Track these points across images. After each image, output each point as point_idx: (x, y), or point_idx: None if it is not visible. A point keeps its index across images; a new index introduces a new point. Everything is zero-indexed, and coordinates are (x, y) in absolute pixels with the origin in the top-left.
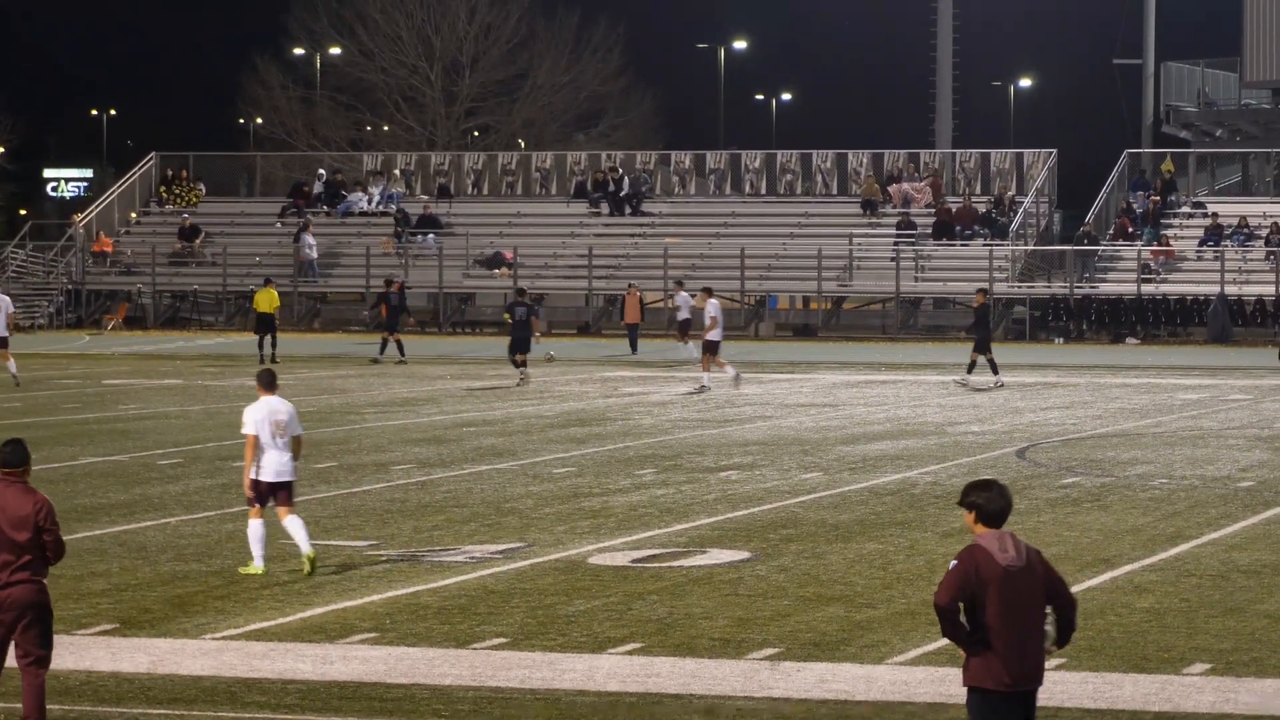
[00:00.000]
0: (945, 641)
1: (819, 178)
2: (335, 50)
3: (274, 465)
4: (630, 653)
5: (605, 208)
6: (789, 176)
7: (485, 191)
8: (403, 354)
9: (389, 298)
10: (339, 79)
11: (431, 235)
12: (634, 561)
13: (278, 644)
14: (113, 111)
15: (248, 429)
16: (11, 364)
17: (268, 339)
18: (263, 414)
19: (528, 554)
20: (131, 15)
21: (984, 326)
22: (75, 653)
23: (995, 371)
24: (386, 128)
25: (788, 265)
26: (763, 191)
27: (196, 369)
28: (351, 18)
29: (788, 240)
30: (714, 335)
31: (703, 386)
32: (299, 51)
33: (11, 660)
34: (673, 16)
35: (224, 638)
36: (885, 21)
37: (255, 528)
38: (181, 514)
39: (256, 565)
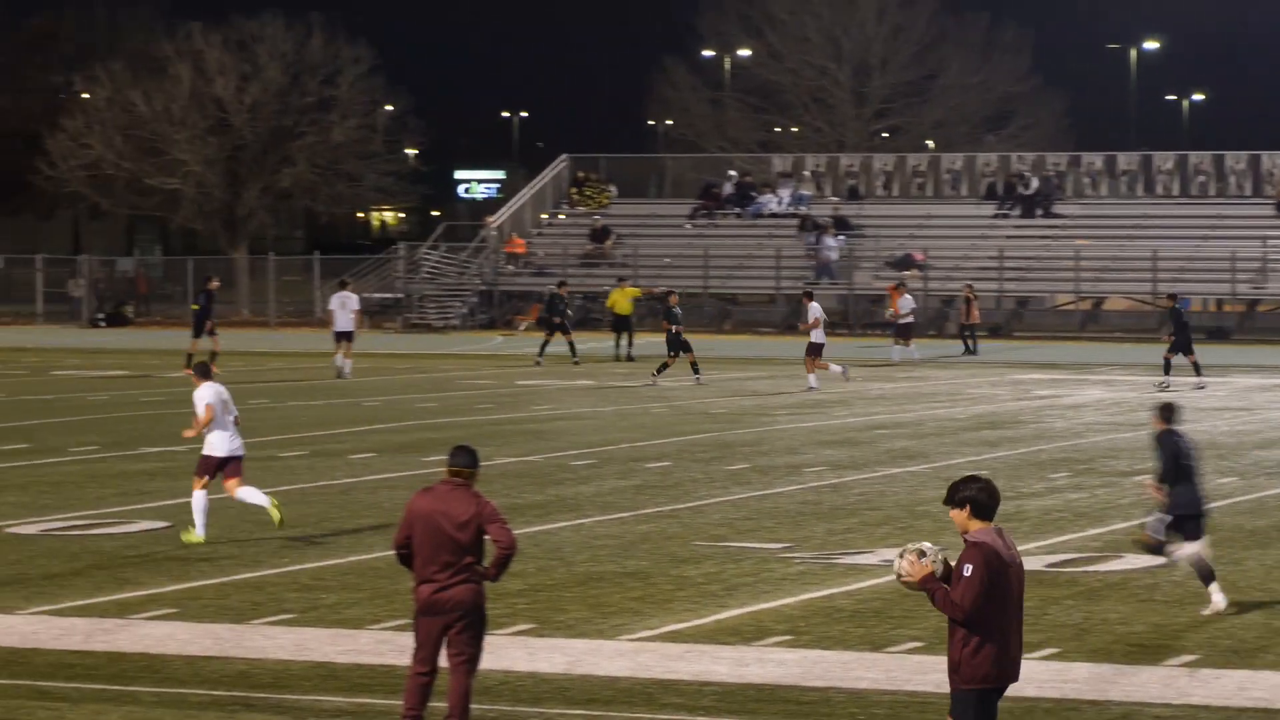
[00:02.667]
0: None
1: (1232, 179)
2: (744, 52)
3: (226, 442)
4: (1046, 658)
5: (1016, 209)
6: (1201, 178)
7: (895, 193)
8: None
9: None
10: (748, 80)
11: (841, 237)
12: (1049, 566)
13: (693, 646)
14: (524, 113)
15: (209, 400)
16: (346, 362)
17: (623, 339)
18: (212, 394)
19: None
20: (542, 18)
21: (1182, 329)
22: (493, 652)
23: (1166, 372)
24: (795, 129)
25: (1200, 268)
26: (1175, 193)
27: (607, 370)
28: (760, 19)
29: (1200, 242)
30: (817, 337)
31: (810, 388)
32: (708, 53)
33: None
34: (1083, 16)
35: (640, 639)
36: None
37: (200, 498)
38: (596, 515)
39: (198, 534)
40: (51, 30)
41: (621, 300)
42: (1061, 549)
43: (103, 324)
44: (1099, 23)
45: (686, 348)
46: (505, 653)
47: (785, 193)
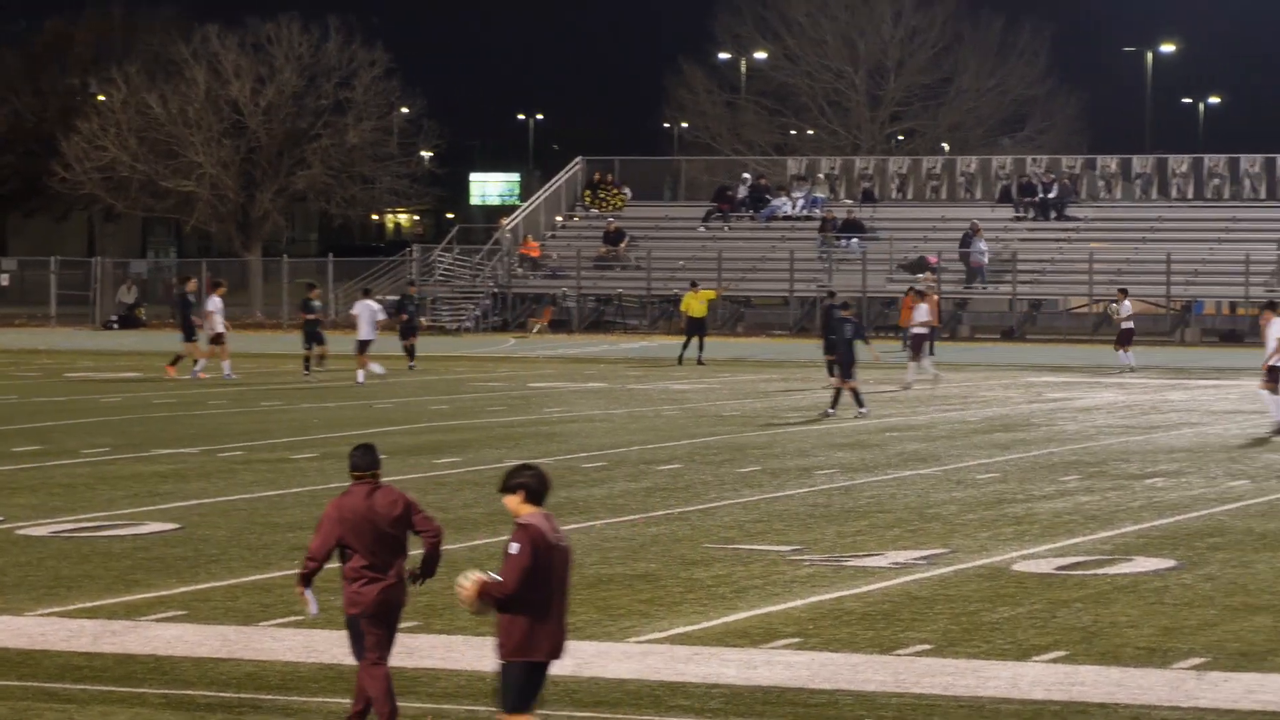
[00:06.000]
0: None
1: (1247, 182)
2: (760, 55)
3: None
4: (1054, 660)
5: (1030, 212)
6: (1216, 181)
7: (909, 196)
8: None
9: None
10: (763, 83)
11: (855, 239)
12: (1058, 569)
13: (702, 648)
14: (539, 116)
15: None
16: (224, 364)
17: (694, 342)
18: None
19: (951, 560)
20: (558, 20)
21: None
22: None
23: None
24: (810, 132)
25: (1214, 270)
26: (1189, 196)
27: (620, 372)
28: (776, 22)
29: (1214, 245)
30: (365, 334)
31: (359, 383)
32: (724, 56)
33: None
34: (1099, 19)
35: (648, 641)
36: None
37: None
38: (606, 517)
39: None
40: (68, 33)
41: (695, 304)
42: (1071, 552)
43: (115, 326)
44: (1115, 25)
45: (320, 340)
46: None
47: (799, 195)
